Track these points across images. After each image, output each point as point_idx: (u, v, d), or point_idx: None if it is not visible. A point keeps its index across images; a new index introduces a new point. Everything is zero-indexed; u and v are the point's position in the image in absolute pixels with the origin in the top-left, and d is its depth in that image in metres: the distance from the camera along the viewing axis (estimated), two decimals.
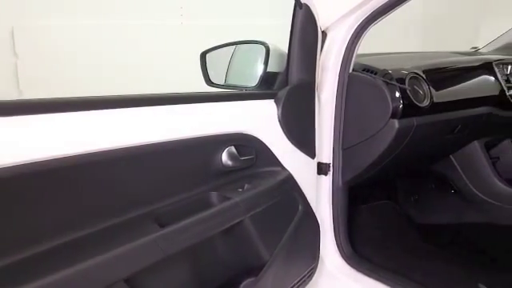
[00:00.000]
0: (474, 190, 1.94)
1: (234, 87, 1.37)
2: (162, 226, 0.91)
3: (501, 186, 1.88)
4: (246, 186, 1.11)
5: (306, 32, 1.24)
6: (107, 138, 0.85)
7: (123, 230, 0.87)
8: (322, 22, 1.29)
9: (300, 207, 1.30)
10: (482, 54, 2.04)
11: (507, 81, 1.78)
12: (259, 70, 1.28)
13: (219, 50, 1.40)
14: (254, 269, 1.14)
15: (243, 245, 1.15)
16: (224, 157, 1.07)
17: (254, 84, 1.28)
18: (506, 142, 2.11)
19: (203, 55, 1.40)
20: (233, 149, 1.09)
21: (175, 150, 0.98)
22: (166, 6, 2.82)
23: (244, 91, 1.29)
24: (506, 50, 2.06)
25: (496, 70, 1.77)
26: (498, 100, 1.74)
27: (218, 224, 1.02)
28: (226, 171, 1.09)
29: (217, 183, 1.09)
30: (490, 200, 1.89)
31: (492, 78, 1.74)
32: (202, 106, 1.06)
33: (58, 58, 2.51)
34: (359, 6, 1.27)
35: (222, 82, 1.39)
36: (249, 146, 1.14)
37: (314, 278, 1.41)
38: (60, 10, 2.53)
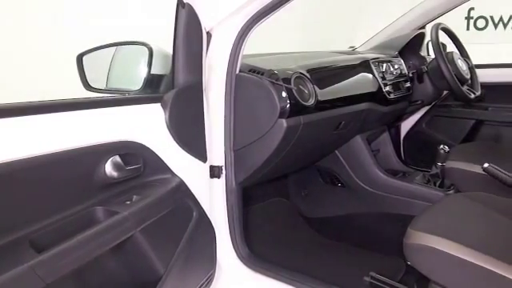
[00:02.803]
0: (359, 181, 2.04)
1: (116, 91, 1.29)
2: (40, 250, 0.82)
3: (382, 176, 1.99)
4: (134, 197, 1.05)
5: (190, 33, 1.20)
6: None
7: None
8: (206, 23, 1.26)
9: (194, 214, 1.26)
10: (359, 52, 2.16)
11: (383, 78, 1.90)
12: (143, 72, 1.22)
13: (98, 51, 1.31)
14: (150, 284, 1.09)
15: (136, 260, 1.09)
16: (108, 168, 1.00)
17: (137, 87, 1.22)
18: (385, 135, 2.27)
19: (80, 57, 1.29)
20: (117, 158, 1.02)
21: (51, 164, 0.89)
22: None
23: (127, 95, 1.22)
24: (380, 49, 2.20)
25: (373, 67, 1.87)
26: (376, 96, 1.84)
27: (105, 242, 0.94)
28: (111, 183, 1.02)
29: (102, 197, 1.01)
30: (373, 190, 2.00)
31: (370, 76, 1.84)
32: (81, 114, 0.97)
33: None
34: (243, 7, 1.26)
35: (103, 87, 1.30)
36: (135, 155, 1.08)
37: (212, 284, 1.39)
38: None
